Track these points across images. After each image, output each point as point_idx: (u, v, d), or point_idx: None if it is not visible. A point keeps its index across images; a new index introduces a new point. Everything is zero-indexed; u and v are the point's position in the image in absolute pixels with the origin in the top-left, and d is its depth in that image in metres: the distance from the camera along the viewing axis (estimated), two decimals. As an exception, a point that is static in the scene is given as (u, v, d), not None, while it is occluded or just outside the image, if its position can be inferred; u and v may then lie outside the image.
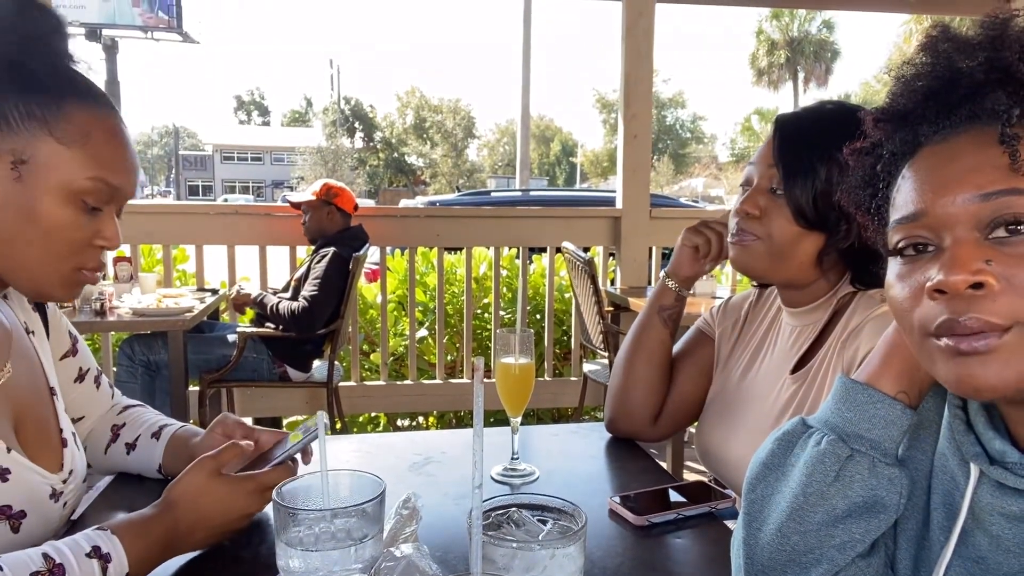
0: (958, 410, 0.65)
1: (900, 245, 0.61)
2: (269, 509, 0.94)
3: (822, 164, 1.02)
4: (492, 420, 4.24)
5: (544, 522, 0.63)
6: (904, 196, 0.62)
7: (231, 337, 3.07)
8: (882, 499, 0.66)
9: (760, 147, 1.11)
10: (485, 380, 0.55)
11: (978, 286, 0.54)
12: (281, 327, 2.99)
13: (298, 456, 0.98)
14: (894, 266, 0.62)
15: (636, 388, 1.25)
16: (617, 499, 1.00)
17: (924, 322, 0.57)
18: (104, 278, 3.20)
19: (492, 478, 1.12)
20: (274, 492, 0.63)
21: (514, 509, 0.63)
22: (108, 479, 1.12)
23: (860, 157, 0.70)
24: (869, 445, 0.66)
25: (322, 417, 0.72)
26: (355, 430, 4.00)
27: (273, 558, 0.86)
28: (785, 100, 37.38)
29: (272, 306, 3.02)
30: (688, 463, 3.28)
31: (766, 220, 1.06)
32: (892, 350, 0.69)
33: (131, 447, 1.10)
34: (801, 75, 36.59)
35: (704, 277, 1.31)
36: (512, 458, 1.14)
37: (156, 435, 1.09)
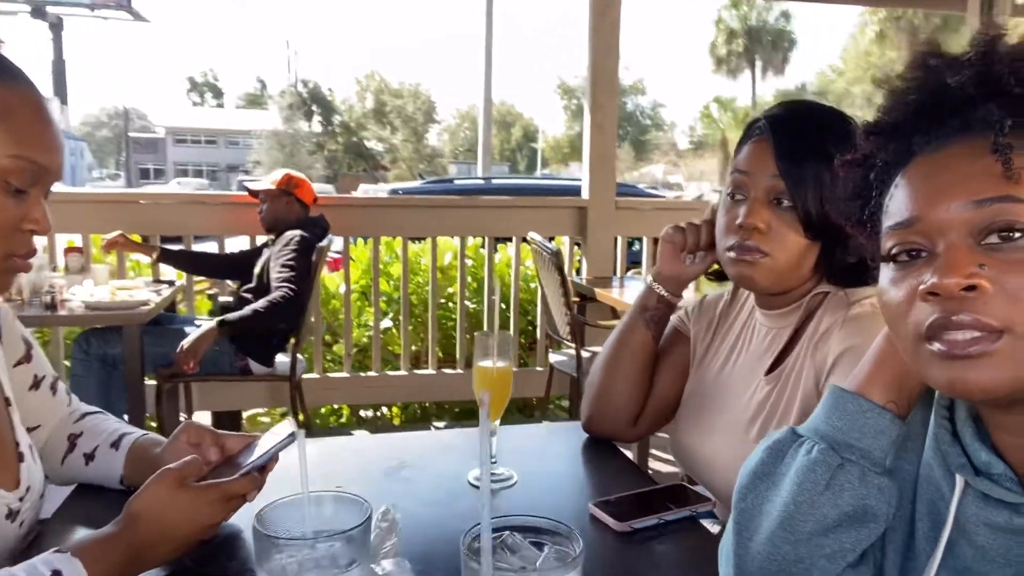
0: (944, 420, 0.66)
1: (894, 251, 0.61)
2: (234, 522, 0.91)
3: (827, 170, 0.99)
4: (457, 410, 4.22)
5: (538, 545, 0.61)
6: (898, 203, 0.62)
7: (189, 330, 2.98)
8: (872, 508, 0.66)
9: (746, 152, 1.06)
10: (452, 369, 0.53)
11: (971, 288, 0.55)
12: (273, 318, 2.81)
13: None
14: (887, 272, 0.62)
15: (618, 390, 1.23)
16: (598, 504, 0.99)
17: (917, 324, 0.58)
18: (55, 270, 3.08)
19: (469, 483, 1.10)
20: (254, 518, 0.60)
21: (507, 533, 0.60)
22: (66, 491, 1.07)
23: (851, 169, 0.70)
24: (859, 454, 0.66)
25: (302, 436, 0.69)
26: (317, 422, 3.94)
27: (242, 573, 0.83)
28: (743, 88, 37.89)
29: (255, 311, 2.77)
30: (652, 451, 3.31)
31: (772, 235, 1.03)
32: (882, 359, 0.70)
33: (89, 457, 1.05)
34: (759, 64, 37.06)
35: (690, 286, 1.28)
36: (491, 462, 1.12)
37: (115, 444, 1.05)
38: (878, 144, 0.67)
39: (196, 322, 3.00)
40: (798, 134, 1.03)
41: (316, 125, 45.53)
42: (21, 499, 0.89)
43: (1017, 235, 0.55)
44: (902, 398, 0.68)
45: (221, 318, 2.72)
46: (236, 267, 3.34)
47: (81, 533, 0.95)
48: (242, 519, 0.91)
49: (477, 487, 1.09)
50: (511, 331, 3.88)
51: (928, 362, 0.58)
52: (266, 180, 3.23)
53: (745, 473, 0.74)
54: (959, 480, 0.63)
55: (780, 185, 1.02)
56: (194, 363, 2.65)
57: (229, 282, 3.55)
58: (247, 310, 2.77)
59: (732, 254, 1.06)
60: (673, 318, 1.29)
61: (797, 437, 0.71)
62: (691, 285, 1.27)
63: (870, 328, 0.97)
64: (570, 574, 0.56)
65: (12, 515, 0.86)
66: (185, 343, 2.67)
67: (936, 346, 0.56)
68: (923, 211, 0.59)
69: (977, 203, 0.56)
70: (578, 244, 3.95)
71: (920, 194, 0.60)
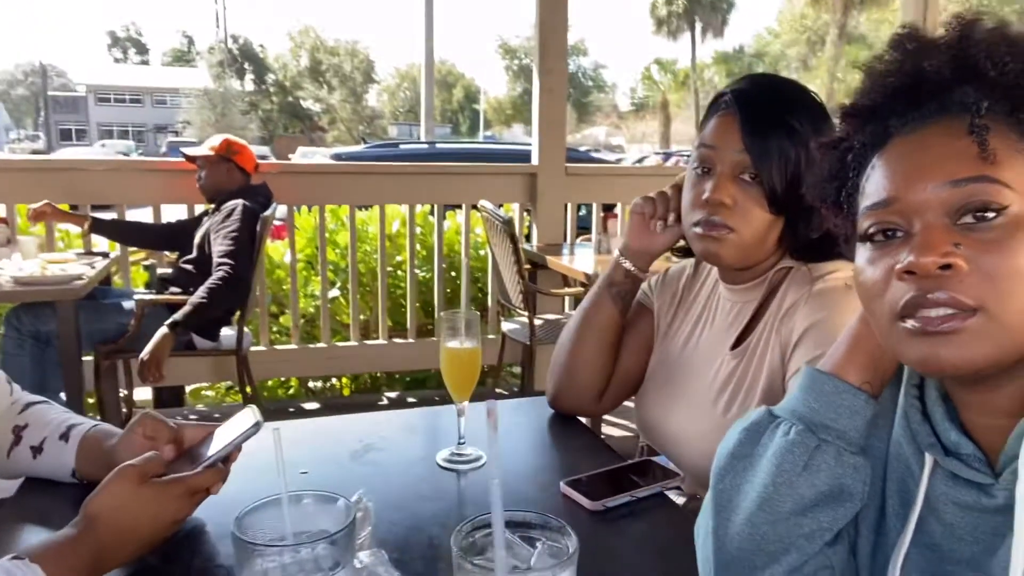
0: (915, 400, 0.67)
1: (870, 231, 0.62)
2: (197, 517, 0.88)
3: (792, 145, 1.01)
4: (408, 380, 4.20)
5: (530, 540, 0.61)
6: (875, 184, 0.63)
7: (127, 304, 2.86)
8: (848, 487, 0.67)
9: (712, 126, 1.06)
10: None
11: (947, 267, 0.56)
12: (219, 302, 2.72)
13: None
14: (864, 252, 0.63)
15: (583, 366, 1.23)
16: (569, 484, 1.00)
17: (893, 303, 0.59)
18: (-23, 244, 2.90)
19: (438, 464, 1.10)
20: (233, 524, 0.58)
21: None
22: (13, 485, 1.02)
23: (828, 151, 0.71)
24: (835, 435, 0.68)
25: (278, 432, 0.66)
26: (265, 394, 3.87)
27: (207, 570, 0.81)
28: (684, 50, 38.10)
29: (199, 302, 2.66)
30: (605, 416, 3.37)
31: (738, 210, 1.03)
32: (857, 340, 0.70)
33: (37, 450, 1.00)
34: (699, 25, 37.26)
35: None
36: (459, 443, 1.11)
37: (64, 436, 0.99)
38: (855, 126, 0.68)
39: (136, 297, 2.88)
40: (764, 109, 1.04)
41: (248, 84, 43.94)
42: (-34, 499, 0.84)
43: (991, 215, 0.56)
44: (876, 378, 0.69)
45: (171, 320, 2.62)
46: (174, 237, 3.20)
47: (32, 529, 0.91)
48: (204, 514, 0.89)
49: (446, 468, 1.09)
50: (462, 299, 3.85)
51: (901, 339, 0.59)
52: (204, 146, 3.10)
53: (723, 454, 0.74)
54: (928, 459, 0.64)
55: (746, 160, 1.02)
56: (159, 373, 2.57)
57: (167, 252, 3.41)
58: (191, 304, 2.66)
59: (698, 230, 1.06)
60: (637, 293, 1.29)
61: (774, 418, 0.72)
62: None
63: (835, 303, 0.99)
64: (566, 572, 0.55)
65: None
66: (144, 355, 2.56)
67: (910, 323, 0.58)
68: (900, 191, 0.60)
69: (953, 183, 0.57)
70: (528, 211, 3.94)
71: (897, 175, 0.61)
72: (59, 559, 0.72)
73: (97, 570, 0.75)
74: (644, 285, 1.30)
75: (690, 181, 1.09)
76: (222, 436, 0.91)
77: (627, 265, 1.21)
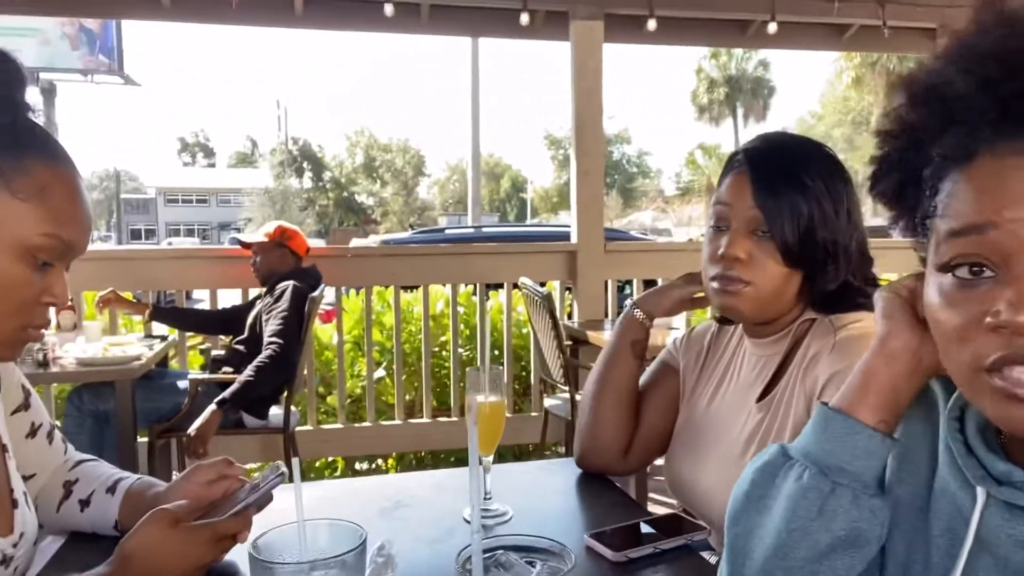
0: (957, 433, 0.63)
1: (954, 263, 0.55)
2: (228, 560, 0.91)
3: (803, 201, 1.04)
4: (452, 460, 4.18)
5: (532, 564, 0.62)
6: (963, 204, 0.55)
7: (182, 384, 2.98)
8: (864, 532, 0.64)
9: (726, 184, 1.10)
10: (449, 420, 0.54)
11: None
12: (266, 380, 2.83)
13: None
14: (942, 283, 0.57)
15: (606, 422, 1.24)
16: (593, 535, 0.99)
17: (978, 356, 0.54)
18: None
19: (464, 519, 1.10)
20: (250, 545, 0.61)
21: (501, 552, 0.61)
22: (60, 540, 1.07)
23: (888, 140, 0.62)
24: (850, 478, 0.65)
25: (296, 464, 0.70)
26: (312, 476, 3.89)
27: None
28: (726, 135, 38.58)
29: (246, 380, 2.78)
30: (652, 494, 3.28)
31: (753, 264, 1.05)
32: (869, 377, 0.67)
33: (85, 504, 1.05)
34: (740, 111, 37.84)
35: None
36: (485, 498, 1.12)
37: (111, 490, 1.05)
38: (923, 118, 0.59)
39: (189, 376, 2.99)
40: (775, 166, 1.07)
41: (307, 181, 45.98)
42: (15, 545, 0.88)
43: None
44: (891, 416, 0.66)
45: (220, 398, 2.73)
46: (228, 322, 3.35)
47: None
48: (234, 558, 0.91)
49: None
50: (504, 377, 3.87)
51: (983, 392, 0.55)
52: (259, 232, 3.27)
53: (737, 496, 0.72)
54: (980, 492, 0.60)
55: (759, 216, 1.05)
56: (203, 449, 2.67)
57: (222, 336, 3.55)
58: (239, 382, 2.77)
59: (716, 284, 1.09)
60: (662, 352, 1.32)
61: (787, 459, 0.69)
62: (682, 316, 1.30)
63: (858, 351, 0.98)
64: (562, 588, 0.56)
65: (6, 561, 0.86)
66: (192, 430, 2.68)
67: (997, 381, 0.53)
68: (998, 217, 0.52)
69: None
70: (569, 289, 3.99)
71: (995, 197, 0.53)
72: None
73: None
74: (670, 344, 1.32)
75: (707, 237, 1.13)
76: (252, 487, 0.95)
77: (641, 319, 1.25)
